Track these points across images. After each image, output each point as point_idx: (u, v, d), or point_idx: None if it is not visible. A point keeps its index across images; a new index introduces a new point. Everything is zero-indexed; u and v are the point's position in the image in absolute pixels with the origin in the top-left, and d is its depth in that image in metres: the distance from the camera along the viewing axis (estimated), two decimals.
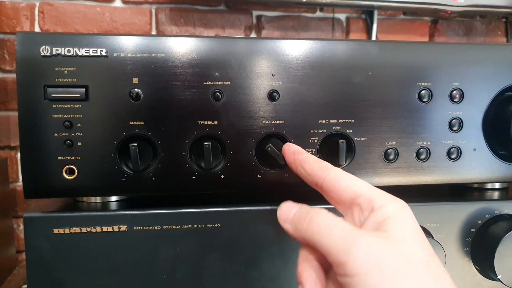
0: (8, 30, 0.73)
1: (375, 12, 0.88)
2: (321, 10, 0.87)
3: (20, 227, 0.76)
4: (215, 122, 0.35)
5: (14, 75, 0.74)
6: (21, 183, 0.75)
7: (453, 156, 0.39)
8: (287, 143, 0.35)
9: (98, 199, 0.38)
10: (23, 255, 0.76)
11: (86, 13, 0.76)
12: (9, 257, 0.72)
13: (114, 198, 0.39)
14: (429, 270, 0.23)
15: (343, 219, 0.27)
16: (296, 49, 0.36)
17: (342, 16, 0.89)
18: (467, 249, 0.38)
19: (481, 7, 0.83)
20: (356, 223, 0.27)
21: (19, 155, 0.76)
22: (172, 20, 0.80)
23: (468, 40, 0.94)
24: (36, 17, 0.74)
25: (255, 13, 0.84)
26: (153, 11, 0.80)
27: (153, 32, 0.80)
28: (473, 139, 0.39)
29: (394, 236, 0.24)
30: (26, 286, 0.64)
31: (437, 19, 0.92)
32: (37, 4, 0.74)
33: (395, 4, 0.79)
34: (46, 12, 0.74)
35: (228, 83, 0.35)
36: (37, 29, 0.75)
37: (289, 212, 0.29)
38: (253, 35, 0.85)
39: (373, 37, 0.87)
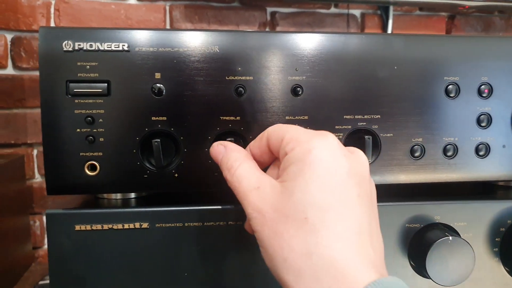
0: (25, 28, 0.73)
1: (391, 8, 0.86)
2: (336, 6, 0.86)
3: (36, 224, 0.77)
4: (238, 118, 0.34)
5: (30, 73, 0.75)
6: (38, 180, 0.76)
7: (481, 153, 0.37)
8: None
9: (118, 196, 0.38)
10: (40, 252, 0.77)
11: (101, 10, 0.76)
12: (26, 253, 0.72)
13: (134, 194, 0.38)
14: (306, 227, 0.22)
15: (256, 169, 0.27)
16: (320, 43, 0.35)
17: (357, 12, 0.87)
18: (496, 249, 0.37)
19: (500, 1, 0.81)
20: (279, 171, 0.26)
21: (35, 152, 0.76)
22: (186, 17, 0.80)
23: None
24: (52, 15, 0.75)
25: (270, 9, 0.83)
26: (168, 8, 0.79)
27: None
28: (502, 136, 0.38)
29: (285, 187, 0.24)
30: (42, 282, 0.65)
31: (454, 15, 0.90)
32: (53, 2, 0.74)
33: (411, 0, 0.77)
34: (61, 9, 0.75)
35: (251, 78, 0.34)
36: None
37: (218, 155, 0.30)
38: None
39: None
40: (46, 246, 0.78)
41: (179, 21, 0.80)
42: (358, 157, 0.26)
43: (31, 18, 0.74)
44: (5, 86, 0.73)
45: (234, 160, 0.28)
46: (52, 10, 0.75)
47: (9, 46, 0.73)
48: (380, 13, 0.88)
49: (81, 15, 0.76)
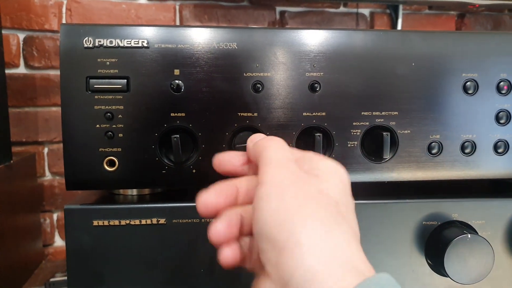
0: (37, 28, 0.74)
1: (400, 7, 0.86)
2: (345, 5, 0.86)
3: (46, 221, 0.77)
4: (255, 114, 0.34)
5: (42, 72, 0.75)
6: (48, 178, 0.77)
7: (500, 150, 0.37)
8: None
9: (134, 192, 0.38)
10: (50, 249, 0.77)
11: (112, 10, 0.77)
12: (36, 251, 0.73)
13: (149, 190, 0.38)
14: (335, 209, 0.23)
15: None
16: (337, 39, 0.35)
17: (366, 11, 0.87)
18: None
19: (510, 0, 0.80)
20: None
21: (46, 150, 0.77)
22: (196, 16, 0.80)
23: None
24: (64, 15, 0.75)
25: (279, 8, 0.84)
26: (177, 7, 0.80)
27: None
28: None
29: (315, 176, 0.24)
30: (53, 279, 0.65)
31: (464, 13, 0.90)
32: (65, 1, 0.75)
33: None
34: (73, 9, 0.75)
35: (269, 74, 0.34)
36: None
37: (261, 136, 0.28)
38: None
39: None
40: (56, 244, 0.78)
41: (189, 20, 0.80)
42: None
43: (43, 17, 0.74)
44: (17, 84, 0.74)
45: (278, 139, 0.27)
46: (64, 10, 0.75)
47: (21, 45, 0.74)
48: (389, 12, 0.88)
49: (92, 14, 0.76)
